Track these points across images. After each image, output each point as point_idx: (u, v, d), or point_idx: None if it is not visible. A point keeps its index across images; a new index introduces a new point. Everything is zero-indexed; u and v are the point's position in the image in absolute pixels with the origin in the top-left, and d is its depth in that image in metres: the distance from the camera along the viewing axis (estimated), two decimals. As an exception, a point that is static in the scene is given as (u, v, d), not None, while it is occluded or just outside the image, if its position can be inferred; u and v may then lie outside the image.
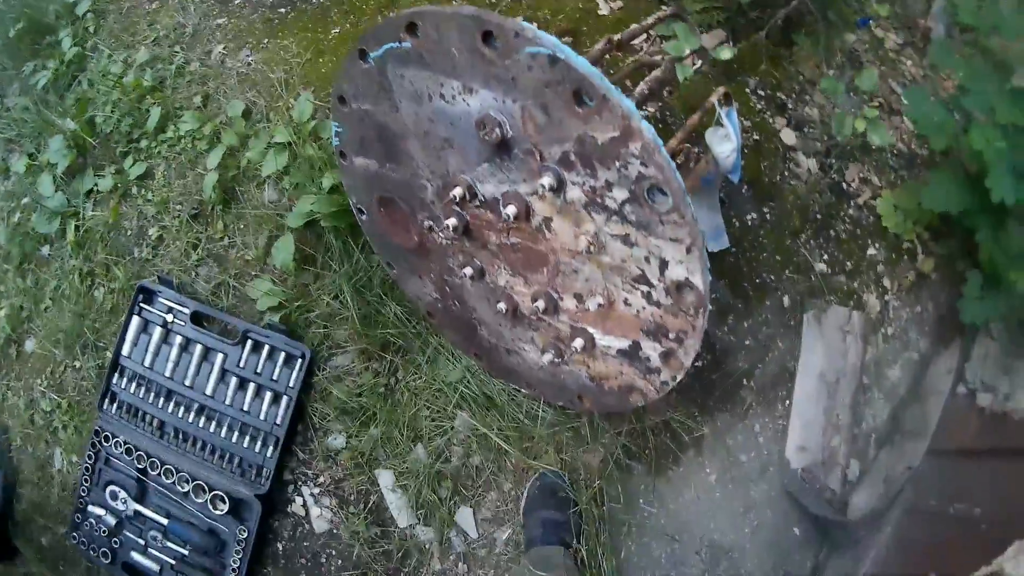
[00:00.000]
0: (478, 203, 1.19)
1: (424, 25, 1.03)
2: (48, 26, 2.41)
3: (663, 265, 1.05)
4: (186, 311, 1.72)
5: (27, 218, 2.11)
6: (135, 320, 1.76)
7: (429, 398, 1.60)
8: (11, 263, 2.04)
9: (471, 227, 1.25)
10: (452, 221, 1.23)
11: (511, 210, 1.12)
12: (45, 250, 2.03)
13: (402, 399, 1.61)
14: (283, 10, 2.15)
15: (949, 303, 1.60)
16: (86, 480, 1.75)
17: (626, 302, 1.14)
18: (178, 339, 1.72)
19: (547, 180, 1.04)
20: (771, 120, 1.74)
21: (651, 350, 1.17)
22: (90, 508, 1.74)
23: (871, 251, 1.65)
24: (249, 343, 1.67)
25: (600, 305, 1.17)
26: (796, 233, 1.63)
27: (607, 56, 1.50)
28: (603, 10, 1.88)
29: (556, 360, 1.32)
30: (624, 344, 1.20)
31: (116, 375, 1.76)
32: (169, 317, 1.73)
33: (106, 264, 1.90)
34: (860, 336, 1.59)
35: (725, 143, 1.38)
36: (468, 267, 1.31)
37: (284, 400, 1.64)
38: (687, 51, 1.34)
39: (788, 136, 1.71)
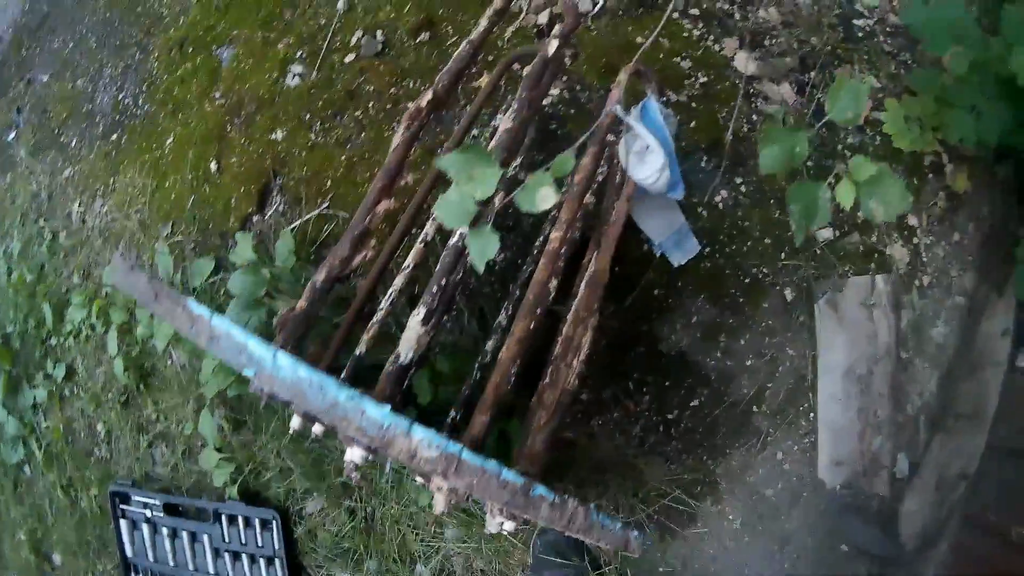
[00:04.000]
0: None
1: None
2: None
3: None
4: (158, 503, 1.68)
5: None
6: (123, 522, 1.74)
7: (410, 522, 1.49)
8: (5, 493, 2.07)
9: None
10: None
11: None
12: (27, 470, 2.03)
13: (384, 529, 1.51)
14: (115, 136, 1.92)
15: (992, 218, 1.20)
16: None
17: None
18: (165, 530, 1.69)
19: None
20: (716, 46, 1.31)
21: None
22: None
23: (888, 186, 1.28)
24: (223, 519, 1.61)
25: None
26: (784, 198, 1.27)
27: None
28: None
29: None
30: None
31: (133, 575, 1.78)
32: (148, 513, 1.70)
33: (78, 473, 1.87)
34: (889, 305, 1.25)
35: (647, 159, 0.94)
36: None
37: (277, 563, 1.58)
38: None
39: (745, 62, 1.27)
